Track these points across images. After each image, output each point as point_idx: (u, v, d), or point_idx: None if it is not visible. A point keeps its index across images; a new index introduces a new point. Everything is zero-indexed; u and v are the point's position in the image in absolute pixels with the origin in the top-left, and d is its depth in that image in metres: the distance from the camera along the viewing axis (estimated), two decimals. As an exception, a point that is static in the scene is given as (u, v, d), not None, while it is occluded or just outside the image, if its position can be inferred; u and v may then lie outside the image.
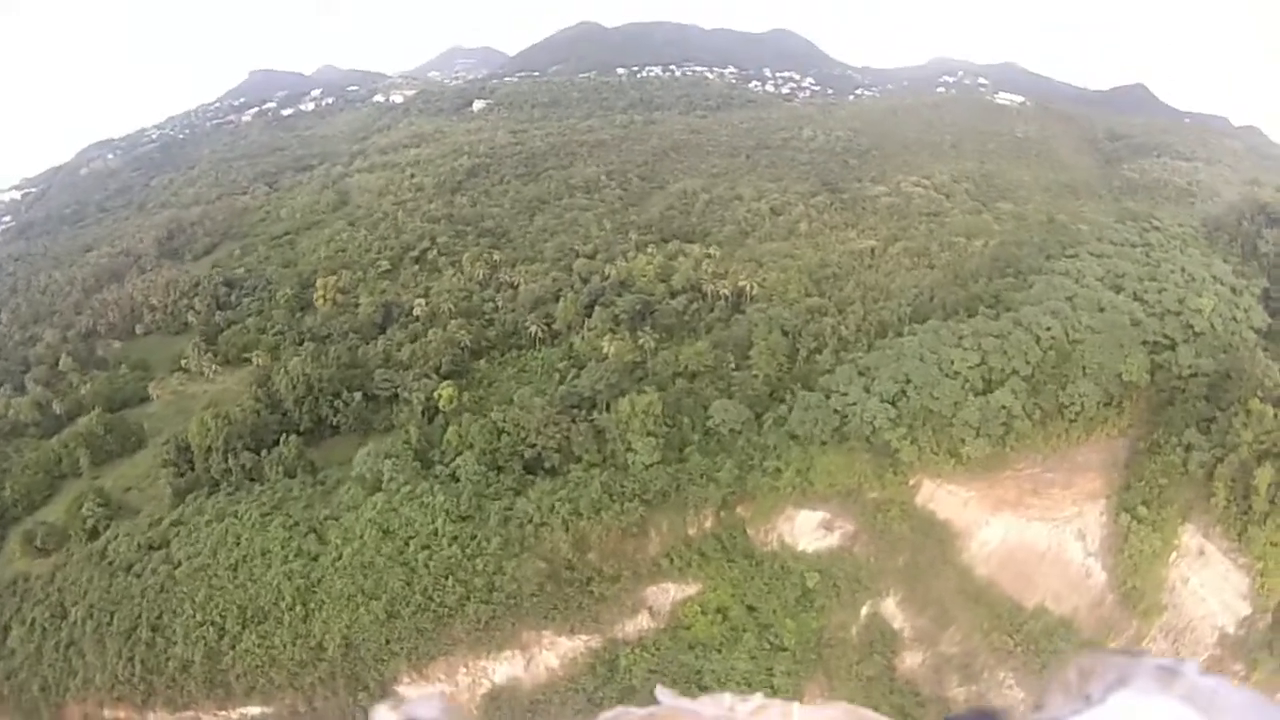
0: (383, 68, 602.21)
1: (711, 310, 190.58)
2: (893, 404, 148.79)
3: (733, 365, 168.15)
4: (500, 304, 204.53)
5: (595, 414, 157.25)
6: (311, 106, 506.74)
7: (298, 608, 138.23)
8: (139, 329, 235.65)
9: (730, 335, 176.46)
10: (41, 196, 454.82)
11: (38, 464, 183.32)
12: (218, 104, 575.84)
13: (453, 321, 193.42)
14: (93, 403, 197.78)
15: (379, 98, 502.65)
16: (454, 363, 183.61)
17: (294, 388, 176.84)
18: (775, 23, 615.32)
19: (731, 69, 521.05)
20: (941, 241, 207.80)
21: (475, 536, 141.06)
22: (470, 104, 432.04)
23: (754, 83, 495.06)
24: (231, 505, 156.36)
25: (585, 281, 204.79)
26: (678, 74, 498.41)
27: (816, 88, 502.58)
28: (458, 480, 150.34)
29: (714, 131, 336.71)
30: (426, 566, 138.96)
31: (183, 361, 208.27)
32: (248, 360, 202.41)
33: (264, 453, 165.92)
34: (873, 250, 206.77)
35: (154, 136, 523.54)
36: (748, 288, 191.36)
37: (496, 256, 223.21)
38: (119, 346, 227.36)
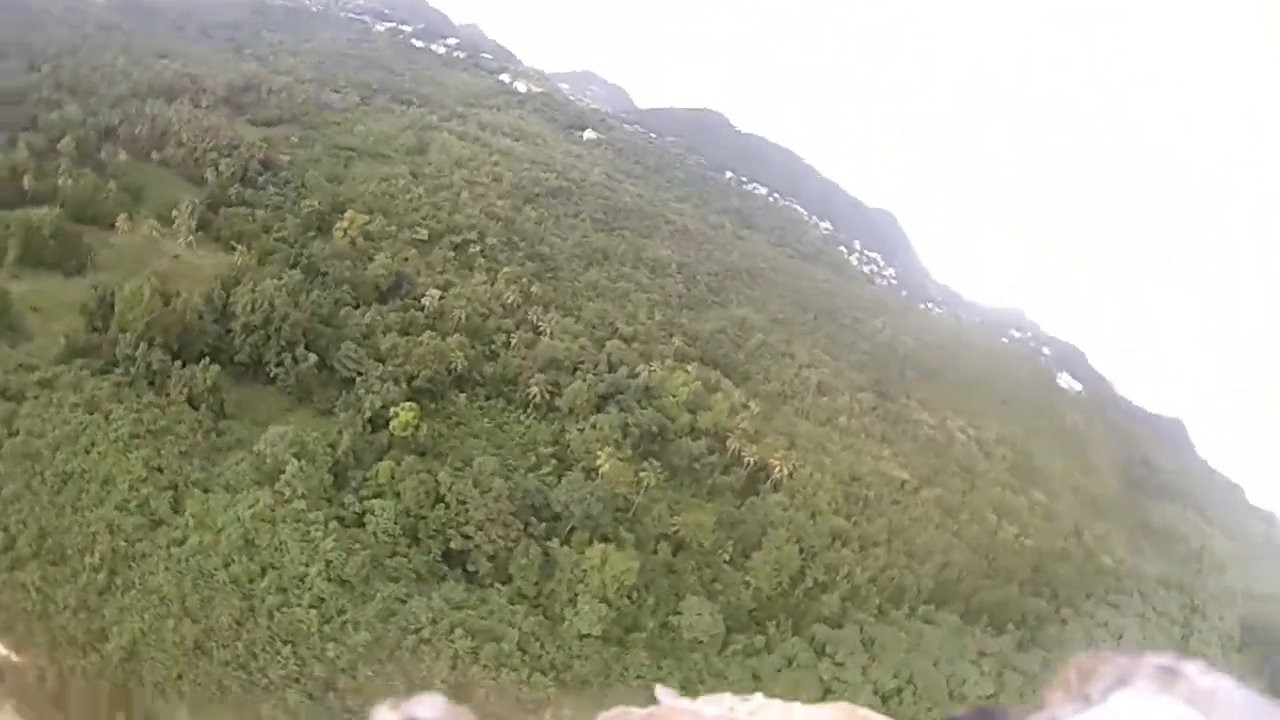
0: (522, 54, 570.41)
1: (728, 472, 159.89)
2: (884, 701, 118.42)
3: (728, 558, 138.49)
4: (514, 341, 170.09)
5: (553, 540, 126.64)
6: (441, 51, 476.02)
7: (103, 572, 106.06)
8: (155, 156, 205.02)
9: (740, 518, 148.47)
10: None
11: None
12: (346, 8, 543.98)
13: (456, 335, 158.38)
14: (61, 199, 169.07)
15: (504, 76, 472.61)
16: (433, 382, 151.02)
17: (253, 309, 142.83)
18: (883, 203, 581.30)
19: (828, 224, 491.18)
20: (973, 510, 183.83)
21: (344, 613, 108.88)
22: (583, 129, 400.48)
23: (842, 247, 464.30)
24: (110, 400, 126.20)
25: (611, 370, 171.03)
26: (780, 203, 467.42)
27: (895, 280, 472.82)
28: (361, 527, 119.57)
29: (793, 275, 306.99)
30: (269, 616, 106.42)
31: (172, 213, 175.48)
32: (233, 250, 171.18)
33: (178, 363, 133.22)
34: (904, 484, 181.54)
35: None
36: (777, 468, 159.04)
37: (534, 289, 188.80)
38: (124, 159, 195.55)
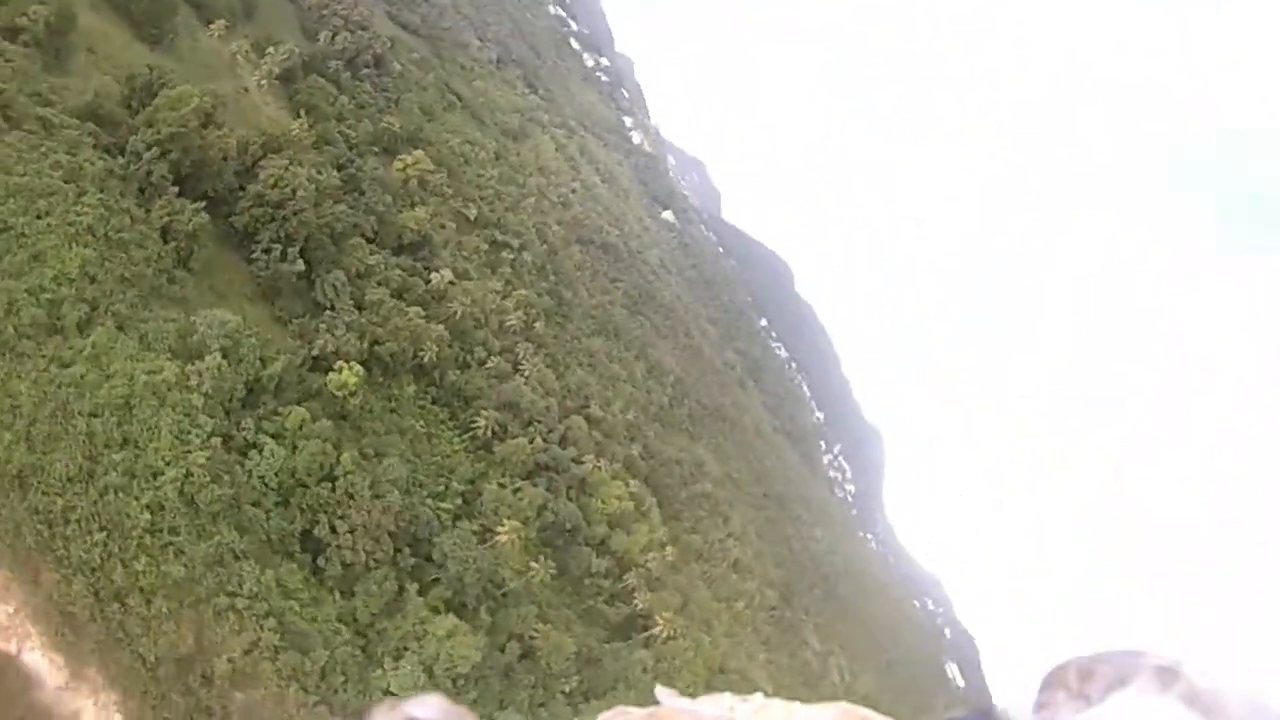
0: (654, 106, 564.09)
1: (612, 603, 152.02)
2: None
3: (566, 689, 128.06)
4: (490, 364, 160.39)
5: (414, 584, 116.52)
6: (590, 63, 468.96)
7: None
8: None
9: (599, 657, 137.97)
10: None
11: None
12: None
13: (443, 326, 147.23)
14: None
15: (628, 119, 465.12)
16: (394, 358, 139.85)
17: (274, 184, 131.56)
18: (881, 421, 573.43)
19: (821, 415, 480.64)
20: None
21: (176, 534, 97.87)
22: (666, 208, 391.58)
23: (823, 442, 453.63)
24: (90, 182, 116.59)
25: (562, 445, 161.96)
26: (791, 374, 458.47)
27: (852, 498, 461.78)
28: (243, 459, 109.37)
29: (769, 447, 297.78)
30: (102, 492, 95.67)
31: (269, 49, 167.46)
32: (296, 117, 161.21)
33: (176, 188, 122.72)
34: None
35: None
36: (659, 627, 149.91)
37: (537, 325, 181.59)
38: None
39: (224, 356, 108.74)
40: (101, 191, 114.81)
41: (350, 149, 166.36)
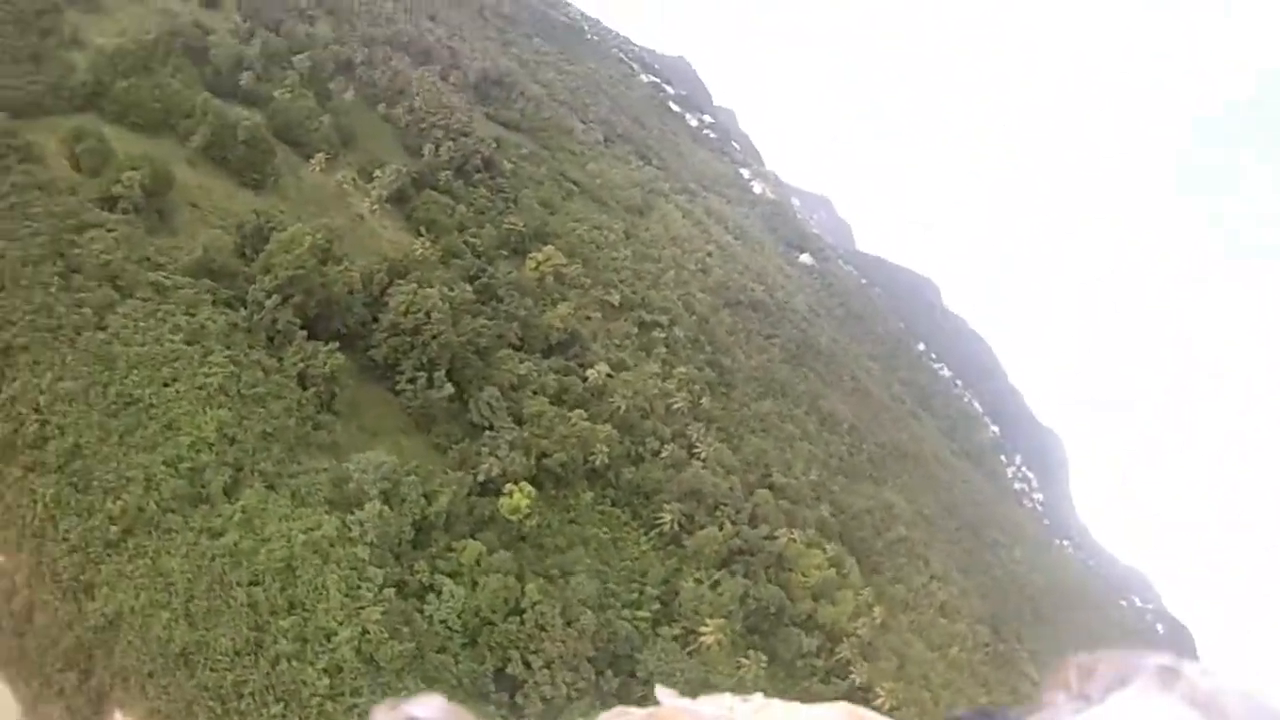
0: (767, 154, 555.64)
1: (827, 682, 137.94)
2: None
3: None
4: (665, 453, 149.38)
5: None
6: (694, 123, 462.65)
7: (120, 525, 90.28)
8: (382, 109, 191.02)
9: None
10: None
11: (170, 98, 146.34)
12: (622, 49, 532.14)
13: (609, 424, 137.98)
14: (271, 110, 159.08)
15: (745, 171, 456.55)
16: (565, 467, 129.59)
17: (408, 310, 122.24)
18: (1056, 423, 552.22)
19: (997, 429, 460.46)
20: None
21: (358, 696, 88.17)
22: (802, 252, 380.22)
23: (1003, 456, 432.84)
24: (216, 340, 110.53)
25: (752, 524, 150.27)
26: (959, 392, 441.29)
27: (1041, 506, 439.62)
28: (421, 604, 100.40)
29: (953, 474, 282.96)
30: (274, 662, 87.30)
31: (375, 172, 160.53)
32: (418, 235, 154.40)
33: (305, 332, 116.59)
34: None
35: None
36: (881, 700, 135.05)
37: (704, 400, 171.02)
38: (350, 99, 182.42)
39: (385, 501, 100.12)
40: (228, 348, 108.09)
41: (478, 257, 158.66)
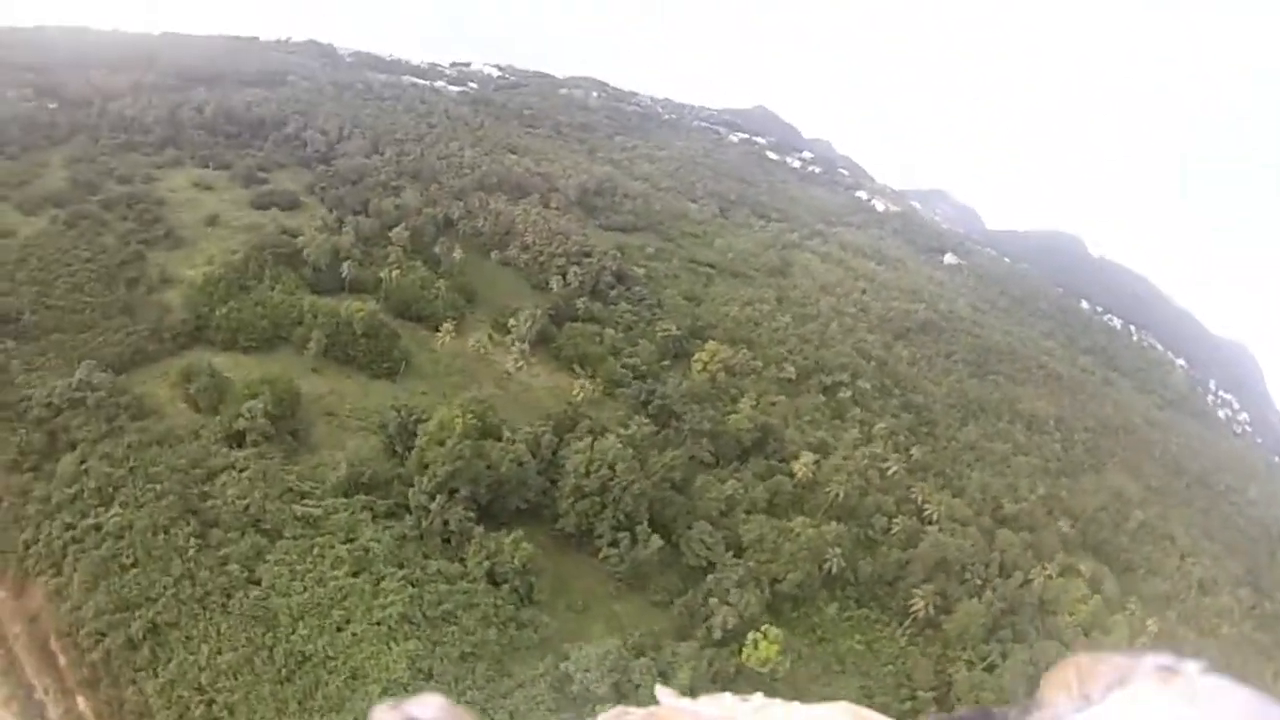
0: (873, 169, 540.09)
1: None
2: None
3: None
4: (895, 529, 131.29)
5: None
6: (796, 164, 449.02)
7: None
8: (495, 256, 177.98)
9: None
10: (514, 87, 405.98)
11: (275, 310, 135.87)
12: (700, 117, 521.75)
13: (834, 522, 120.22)
14: (383, 292, 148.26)
15: (861, 193, 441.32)
16: (801, 586, 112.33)
17: (587, 471, 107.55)
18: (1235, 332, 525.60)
19: (1183, 361, 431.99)
20: None
21: None
22: (943, 253, 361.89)
23: (1198, 387, 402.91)
24: (386, 561, 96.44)
25: (1003, 574, 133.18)
26: (1137, 338, 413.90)
27: (1249, 427, 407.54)
28: None
29: (1164, 431, 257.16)
30: None
31: (509, 323, 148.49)
32: (574, 373, 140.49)
33: (483, 525, 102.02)
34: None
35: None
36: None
37: (914, 451, 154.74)
38: (460, 257, 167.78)
39: (615, 688, 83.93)
40: (400, 567, 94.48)
41: (642, 379, 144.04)
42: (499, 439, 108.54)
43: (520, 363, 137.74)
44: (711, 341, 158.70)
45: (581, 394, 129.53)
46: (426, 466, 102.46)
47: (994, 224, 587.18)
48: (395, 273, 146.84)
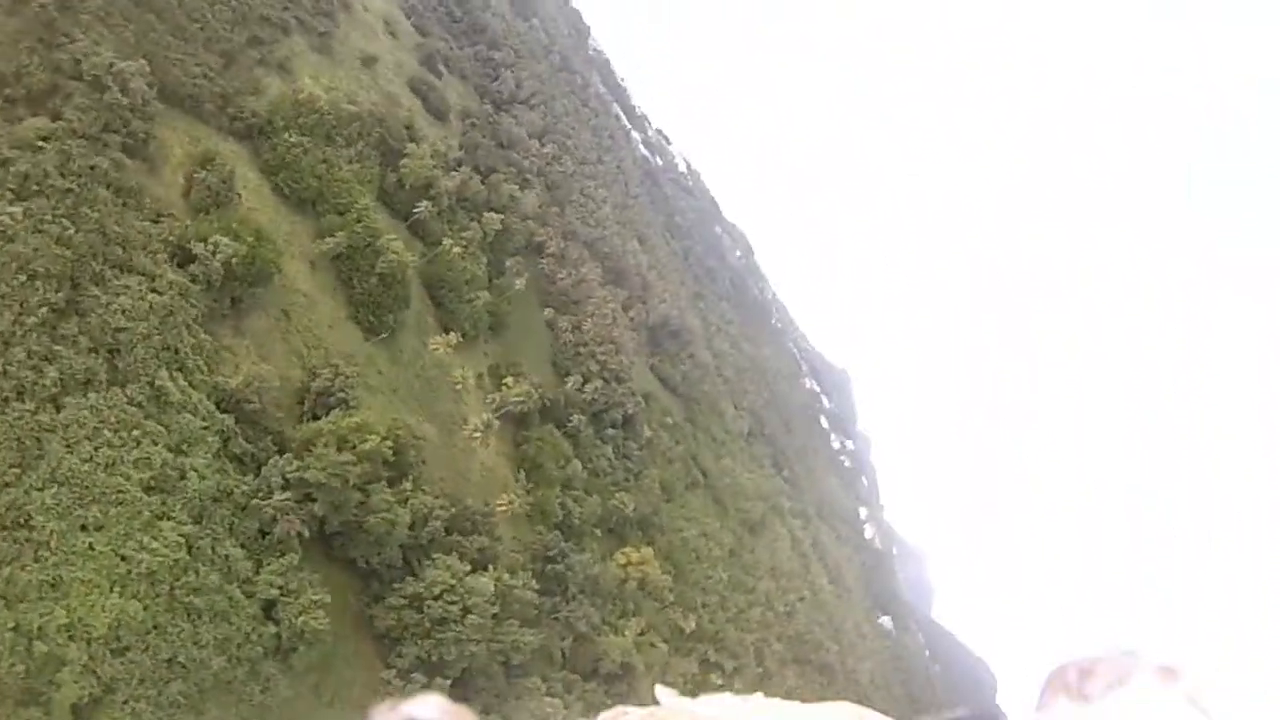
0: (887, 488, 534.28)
1: None
2: None
3: None
4: None
5: None
6: (836, 445, 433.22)
7: None
8: (549, 312, 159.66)
9: None
10: (687, 191, 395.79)
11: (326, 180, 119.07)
12: (798, 344, 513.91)
13: None
14: (434, 253, 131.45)
15: (863, 510, 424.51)
16: None
17: (444, 593, 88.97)
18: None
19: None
20: None
21: None
22: (885, 613, 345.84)
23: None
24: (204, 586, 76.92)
25: None
26: None
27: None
28: None
29: None
30: None
31: (504, 382, 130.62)
32: (518, 473, 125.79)
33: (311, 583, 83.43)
34: None
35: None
36: None
37: None
38: (520, 286, 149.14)
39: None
40: (196, 523, 76.07)
41: (565, 532, 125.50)
42: (391, 485, 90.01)
43: (480, 431, 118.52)
44: (649, 549, 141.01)
45: (507, 505, 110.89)
46: (305, 456, 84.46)
47: (938, 614, 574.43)
48: (457, 250, 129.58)
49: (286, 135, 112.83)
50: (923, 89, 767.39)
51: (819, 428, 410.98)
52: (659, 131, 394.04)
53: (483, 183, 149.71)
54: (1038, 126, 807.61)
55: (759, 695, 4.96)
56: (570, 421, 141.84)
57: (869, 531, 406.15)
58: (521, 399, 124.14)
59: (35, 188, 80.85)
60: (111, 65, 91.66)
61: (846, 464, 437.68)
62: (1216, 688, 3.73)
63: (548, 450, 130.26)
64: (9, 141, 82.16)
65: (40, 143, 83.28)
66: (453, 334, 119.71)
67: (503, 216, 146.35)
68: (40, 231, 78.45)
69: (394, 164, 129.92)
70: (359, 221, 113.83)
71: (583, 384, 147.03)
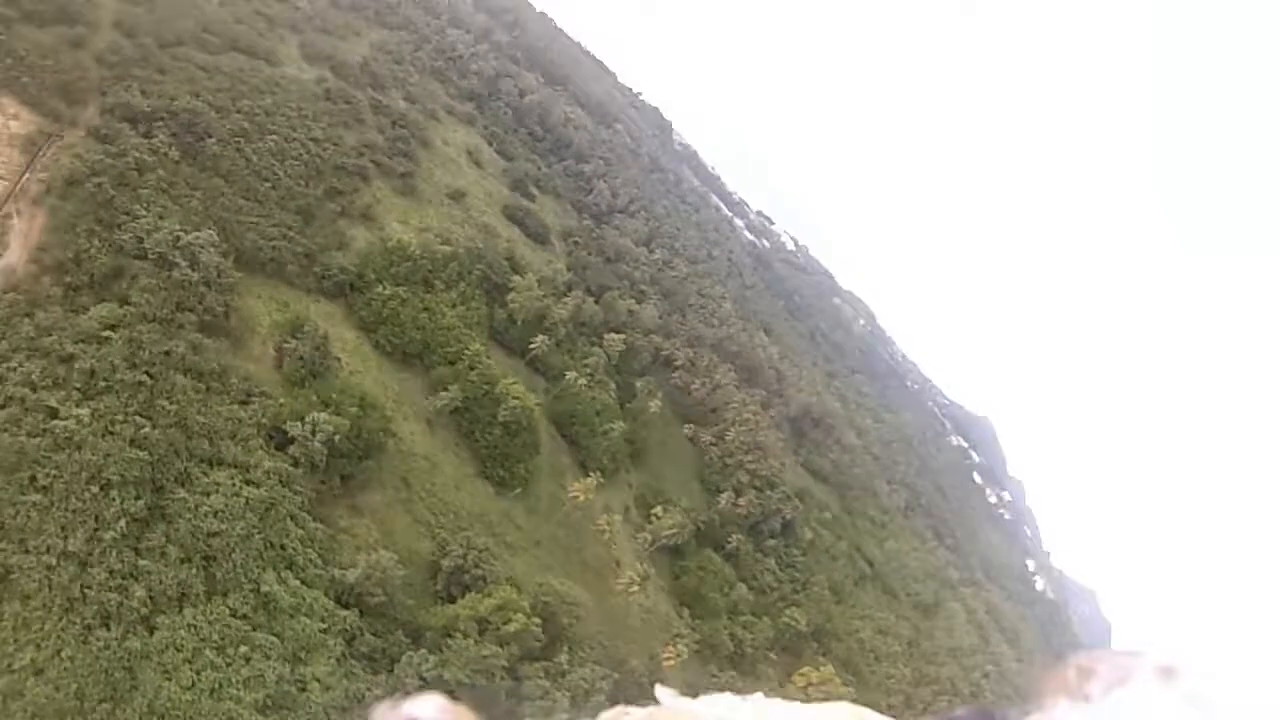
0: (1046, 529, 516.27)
1: None
2: None
3: None
4: None
5: None
6: (993, 500, 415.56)
7: None
8: (689, 428, 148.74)
9: None
10: (798, 268, 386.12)
11: (439, 331, 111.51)
12: (935, 400, 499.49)
13: None
14: (559, 388, 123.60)
15: (1030, 562, 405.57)
16: None
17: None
18: None
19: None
20: None
21: None
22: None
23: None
24: None
25: None
26: None
27: None
28: None
29: None
30: None
31: (653, 514, 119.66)
32: (680, 609, 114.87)
33: None
34: None
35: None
36: None
37: None
38: (655, 408, 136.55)
39: None
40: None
41: (736, 663, 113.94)
42: (544, 659, 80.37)
43: (638, 584, 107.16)
44: (828, 667, 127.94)
45: (675, 659, 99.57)
46: (451, 633, 75.23)
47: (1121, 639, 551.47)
48: (583, 381, 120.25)
49: (381, 288, 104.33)
50: (889, 71, 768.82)
51: (973, 484, 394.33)
52: (760, 214, 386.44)
53: (597, 303, 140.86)
54: (1006, 120, 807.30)
55: (759, 695, 4.76)
56: (729, 542, 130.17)
57: (1039, 584, 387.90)
58: (675, 530, 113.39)
59: (103, 384, 72.15)
60: (178, 239, 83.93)
61: (1006, 516, 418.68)
62: (1216, 687, 3.64)
63: (709, 578, 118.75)
64: (72, 335, 73.79)
65: (106, 333, 75.01)
66: (592, 477, 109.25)
67: (624, 335, 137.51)
68: (111, 434, 69.30)
69: (501, 300, 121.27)
70: (473, 369, 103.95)
71: (735, 498, 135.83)
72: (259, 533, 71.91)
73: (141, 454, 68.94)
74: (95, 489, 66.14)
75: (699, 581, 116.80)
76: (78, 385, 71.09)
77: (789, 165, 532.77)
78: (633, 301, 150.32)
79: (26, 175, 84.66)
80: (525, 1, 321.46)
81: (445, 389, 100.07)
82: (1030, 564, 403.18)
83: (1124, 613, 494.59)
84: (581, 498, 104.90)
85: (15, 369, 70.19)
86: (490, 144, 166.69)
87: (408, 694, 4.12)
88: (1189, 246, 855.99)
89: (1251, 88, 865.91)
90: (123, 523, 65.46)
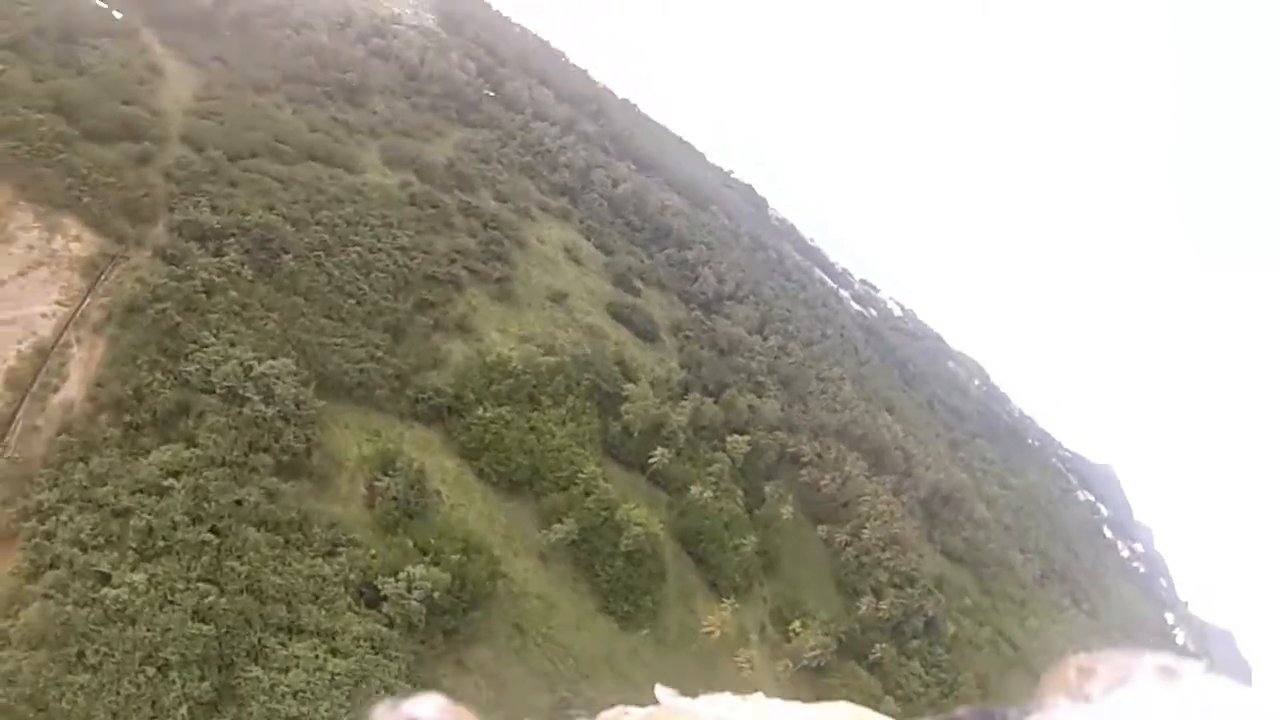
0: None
1: None
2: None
3: None
4: None
5: None
6: (1125, 553, 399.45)
7: None
8: (823, 530, 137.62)
9: None
10: (909, 335, 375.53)
11: (548, 455, 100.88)
12: (1057, 454, 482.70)
13: None
14: (683, 503, 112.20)
15: (1169, 615, 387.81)
16: None
17: None
18: None
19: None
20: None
21: None
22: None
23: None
24: None
25: None
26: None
27: None
28: None
29: None
30: None
31: (793, 631, 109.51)
32: None
33: None
34: None
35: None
36: None
37: None
38: (788, 514, 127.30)
39: None
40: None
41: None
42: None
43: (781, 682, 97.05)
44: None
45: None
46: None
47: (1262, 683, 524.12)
48: (708, 494, 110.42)
49: (482, 409, 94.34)
50: (897, 71, 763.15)
51: (1103, 540, 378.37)
52: (864, 282, 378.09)
53: (716, 402, 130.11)
54: (1020, 125, 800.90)
55: (759, 694, 4.42)
56: (872, 652, 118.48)
57: (1180, 637, 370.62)
58: (818, 651, 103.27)
59: (161, 544, 62.48)
60: (250, 369, 75.11)
61: (1140, 569, 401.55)
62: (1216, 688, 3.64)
63: (855, 698, 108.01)
64: (130, 484, 64.37)
65: (168, 480, 65.34)
66: (725, 604, 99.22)
67: (747, 436, 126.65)
68: (171, 603, 59.49)
69: (614, 410, 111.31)
70: (589, 494, 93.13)
71: (876, 601, 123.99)
72: (347, 712, 61.18)
73: (206, 628, 59.30)
74: (152, 670, 56.67)
75: (847, 696, 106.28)
76: (133, 545, 61.86)
77: (846, 212, 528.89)
78: (753, 396, 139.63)
79: (87, 300, 76.96)
80: (606, 90, 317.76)
81: (560, 520, 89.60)
82: (1169, 616, 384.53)
83: (1262, 652, 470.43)
84: (717, 633, 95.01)
85: (65, 523, 60.84)
86: (588, 238, 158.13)
87: (408, 694, 4.16)
88: (1205, 259, 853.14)
89: (1270, 99, 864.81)
90: (184, 709, 55.92)
